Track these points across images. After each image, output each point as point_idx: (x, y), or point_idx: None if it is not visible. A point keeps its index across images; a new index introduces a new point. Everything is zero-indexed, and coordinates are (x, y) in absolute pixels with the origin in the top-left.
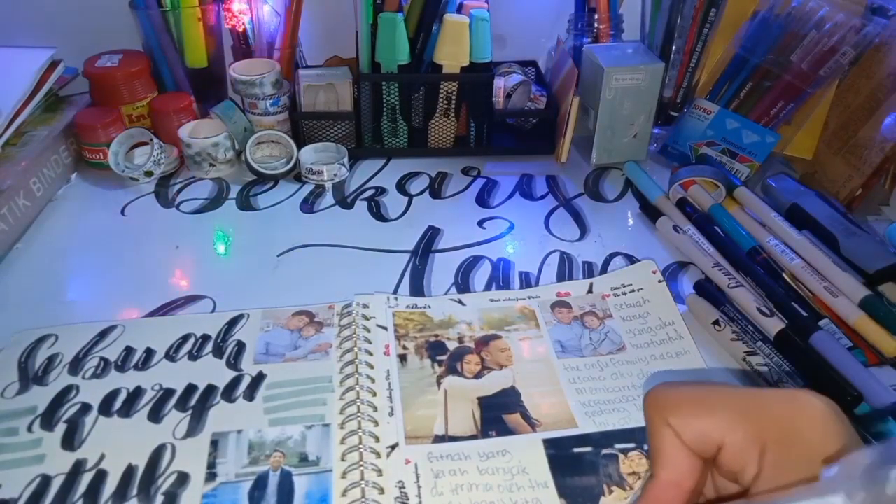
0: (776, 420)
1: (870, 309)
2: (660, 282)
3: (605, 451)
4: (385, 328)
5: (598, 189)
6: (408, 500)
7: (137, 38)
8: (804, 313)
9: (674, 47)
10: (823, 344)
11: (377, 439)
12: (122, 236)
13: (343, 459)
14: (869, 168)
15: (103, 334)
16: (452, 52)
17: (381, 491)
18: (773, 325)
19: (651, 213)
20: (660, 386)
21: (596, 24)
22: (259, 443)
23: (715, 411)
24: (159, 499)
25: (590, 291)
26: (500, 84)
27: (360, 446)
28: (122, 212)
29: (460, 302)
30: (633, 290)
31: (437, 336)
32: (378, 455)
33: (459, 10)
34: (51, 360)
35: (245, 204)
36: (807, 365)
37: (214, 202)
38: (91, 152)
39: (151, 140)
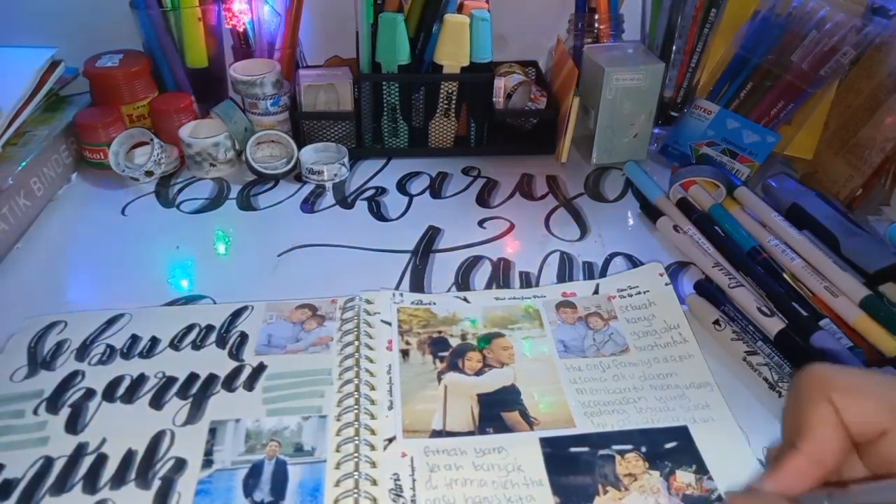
0: None
1: (870, 309)
2: (666, 284)
3: (601, 452)
4: (389, 323)
5: (598, 189)
6: (402, 492)
7: (138, 38)
8: (804, 313)
9: (674, 47)
10: (824, 344)
11: (373, 432)
12: (123, 236)
13: (338, 450)
14: (869, 168)
15: (111, 322)
16: (453, 52)
17: (374, 482)
18: (774, 325)
19: (651, 213)
20: (823, 364)
21: (596, 25)
22: (256, 432)
23: (886, 396)
24: (156, 483)
25: (596, 292)
26: (501, 84)
27: (356, 438)
28: (123, 212)
29: (465, 299)
30: (639, 293)
31: (440, 332)
32: (373, 447)
33: (460, 10)
34: (59, 345)
35: (245, 204)
36: (807, 365)
37: (215, 202)
38: (91, 152)
39: (152, 140)
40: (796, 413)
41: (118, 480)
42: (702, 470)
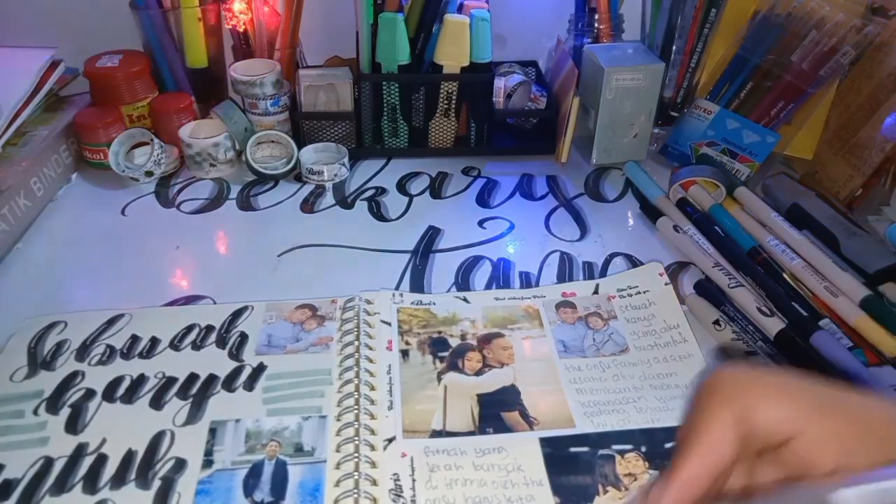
0: (860, 420)
1: (870, 309)
2: (666, 284)
3: (601, 452)
4: (389, 323)
5: (598, 189)
6: (402, 492)
7: (138, 38)
8: (804, 313)
9: (674, 47)
10: (824, 344)
11: (373, 432)
12: (123, 236)
13: (338, 450)
14: (869, 168)
15: (111, 322)
16: (453, 52)
17: (374, 482)
18: (774, 325)
19: (651, 213)
20: (729, 367)
21: (596, 24)
22: (256, 432)
23: (795, 400)
24: (156, 483)
25: (595, 292)
26: (501, 84)
27: (356, 438)
28: (123, 212)
29: (465, 300)
30: (639, 293)
31: (440, 332)
32: (373, 447)
33: (460, 10)
34: (59, 346)
35: (245, 204)
36: (807, 365)
37: (215, 202)
38: (91, 152)
39: (152, 140)
40: (692, 419)
41: (118, 480)
42: None
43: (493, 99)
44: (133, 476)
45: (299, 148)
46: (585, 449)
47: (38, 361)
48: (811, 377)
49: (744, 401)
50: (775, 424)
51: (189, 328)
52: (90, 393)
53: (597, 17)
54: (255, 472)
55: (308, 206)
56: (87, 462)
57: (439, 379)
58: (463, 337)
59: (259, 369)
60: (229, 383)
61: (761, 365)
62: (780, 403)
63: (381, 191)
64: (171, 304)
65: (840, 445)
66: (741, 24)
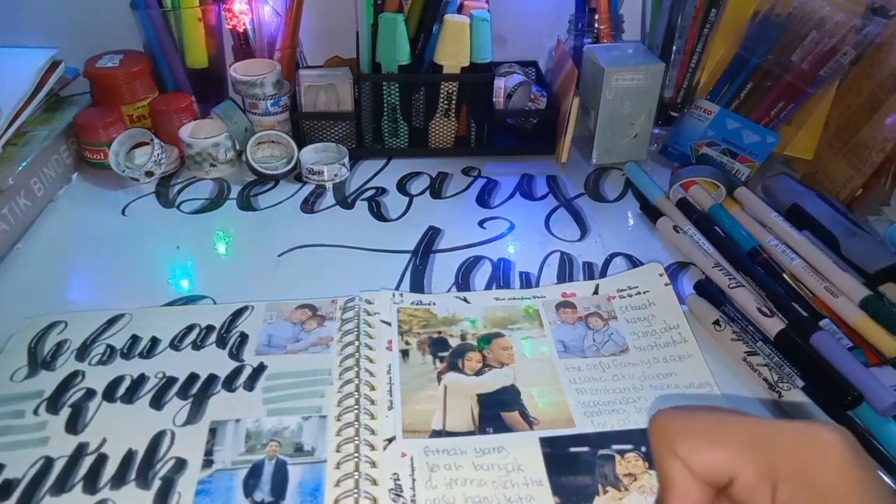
0: (790, 454)
1: (870, 309)
2: (666, 284)
3: (601, 452)
4: (389, 324)
5: (598, 189)
6: (402, 492)
7: (138, 38)
8: (804, 313)
9: (674, 47)
10: (824, 344)
11: (373, 432)
12: (123, 236)
13: (338, 450)
14: (869, 168)
15: (111, 322)
16: (453, 53)
17: (374, 482)
18: (774, 325)
19: (651, 213)
20: (665, 412)
21: (596, 25)
22: (256, 432)
23: (724, 443)
24: (157, 483)
25: (595, 293)
26: (501, 84)
27: (356, 438)
28: (123, 212)
29: (465, 300)
30: (639, 293)
31: (440, 332)
32: (373, 447)
33: (460, 10)
34: (59, 346)
35: (245, 204)
36: (807, 365)
37: (215, 202)
38: (92, 152)
39: (152, 140)
40: (657, 467)
41: (118, 480)
42: None
43: (493, 99)
44: (133, 476)
45: (299, 148)
46: (585, 449)
47: (39, 361)
48: (742, 415)
49: (681, 448)
50: (712, 468)
51: (189, 328)
52: (90, 393)
53: (597, 17)
54: (256, 471)
55: (308, 206)
56: (88, 462)
57: (439, 379)
58: (463, 337)
59: (259, 369)
60: (229, 383)
61: (696, 405)
62: (711, 448)
63: (382, 191)
64: (172, 304)
65: (773, 483)
66: (741, 24)
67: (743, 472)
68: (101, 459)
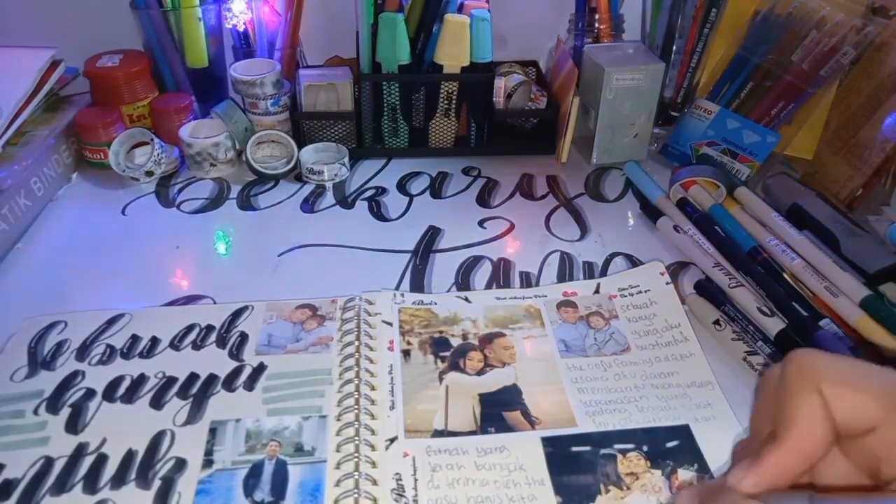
0: None
1: (870, 309)
2: (667, 283)
3: (603, 451)
4: (390, 324)
5: (598, 189)
6: (404, 492)
7: (138, 37)
8: (805, 313)
9: (674, 47)
10: (824, 344)
11: (373, 432)
12: (123, 236)
13: (338, 450)
14: (869, 168)
15: (111, 322)
16: (453, 52)
17: (374, 482)
18: (774, 325)
19: (651, 213)
20: (810, 351)
21: (596, 24)
22: (256, 432)
23: (873, 393)
24: (157, 483)
25: (597, 292)
26: (501, 84)
27: (356, 438)
28: (123, 212)
29: (466, 299)
30: (640, 292)
31: (441, 332)
32: (373, 447)
33: (460, 9)
34: (59, 345)
35: (246, 204)
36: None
37: (215, 202)
38: (92, 152)
39: (152, 140)
40: (780, 401)
41: (118, 480)
42: (703, 469)
43: (494, 99)
44: (133, 476)
45: (299, 148)
46: (587, 448)
47: (39, 361)
48: (891, 372)
49: (828, 387)
50: (857, 414)
51: (189, 328)
52: (90, 393)
53: (597, 17)
54: (256, 471)
55: (308, 205)
56: (88, 462)
57: (441, 379)
58: (464, 337)
59: (259, 369)
60: (229, 383)
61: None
62: (860, 394)
63: (382, 191)
64: (172, 303)
65: None
66: (741, 24)
67: (887, 427)
68: (101, 459)
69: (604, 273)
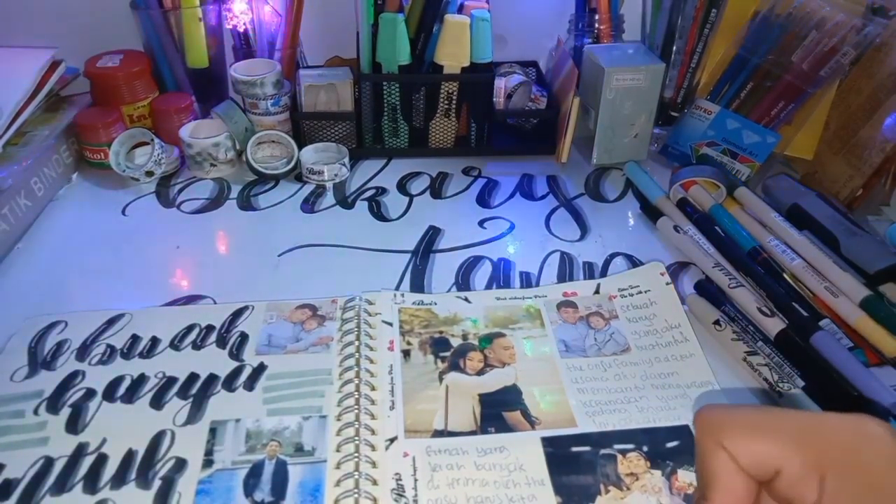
0: (837, 447)
1: (870, 309)
2: (667, 284)
3: (603, 451)
4: (390, 324)
5: (598, 189)
6: (404, 492)
7: (138, 38)
8: (805, 313)
9: (674, 47)
10: (824, 344)
11: (373, 432)
12: (123, 236)
13: (338, 450)
14: (869, 168)
15: (111, 322)
16: (453, 53)
17: (374, 482)
18: (774, 325)
19: (652, 213)
20: (711, 406)
21: (596, 25)
22: (256, 432)
23: (772, 435)
24: (157, 483)
25: (597, 292)
26: (501, 84)
27: (356, 438)
28: (123, 212)
29: (466, 299)
30: (640, 292)
31: (441, 332)
32: (373, 447)
33: (460, 10)
34: (59, 345)
35: (246, 204)
36: (807, 365)
37: (215, 202)
38: (92, 152)
39: (152, 140)
40: (699, 462)
41: (118, 480)
42: None
43: (494, 99)
44: (133, 476)
45: (300, 148)
46: (587, 448)
47: (39, 361)
48: (788, 409)
49: (727, 440)
50: (759, 460)
51: (189, 328)
52: (90, 393)
53: (597, 17)
54: (256, 471)
55: (308, 205)
56: (88, 462)
57: (441, 379)
58: (464, 337)
59: (259, 369)
60: (229, 383)
61: (737, 402)
62: (758, 442)
63: (382, 191)
64: (172, 304)
65: (821, 475)
66: (741, 24)
67: (790, 464)
68: (101, 459)
69: (604, 273)
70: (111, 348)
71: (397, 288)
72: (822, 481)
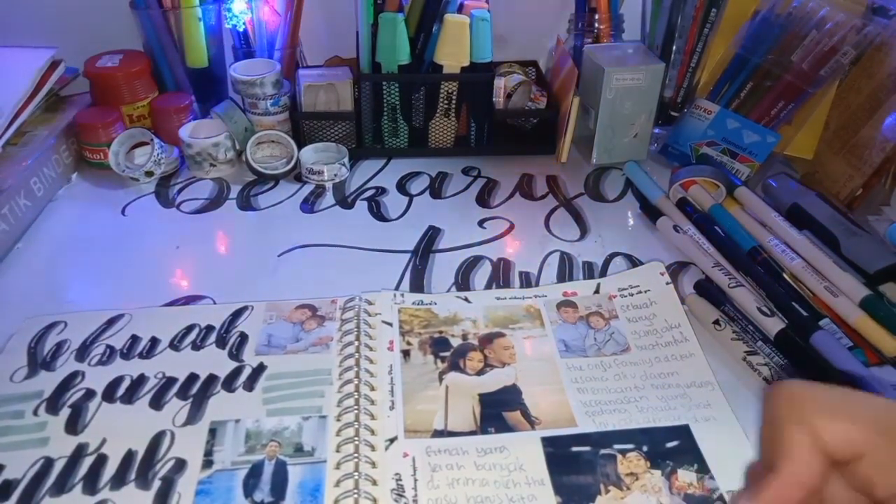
0: None
1: (870, 308)
2: (667, 283)
3: (603, 451)
4: (390, 324)
5: (598, 189)
6: (404, 492)
7: (138, 38)
8: (804, 313)
9: (674, 47)
10: (824, 344)
11: (373, 432)
12: (123, 236)
13: (338, 451)
14: (869, 168)
15: (111, 322)
16: (453, 52)
17: (374, 482)
18: (774, 325)
19: (651, 213)
20: (796, 382)
21: (596, 24)
22: (256, 432)
23: (860, 419)
24: (156, 484)
25: (597, 292)
26: (501, 84)
27: (356, 438)
28: (123, 212)
29: (466, 299)
30: (640, 292)
31: (441, 332)
32: (373, 448)
33: (460, 10)
34: (59, 346)
35: (245, 204)
36: (807, 364)
37: (215, 202)
38: (91, 152)
39: (152, 140)
40: (773, 434)
41: (118, 481)
42: (703, 469)
43: (493, 99)
44: (133, 476)
45: (299, 148)
46: (587, 448)
47: (38, 361)
48: (877, 397)
49: (814, 417)
50: (845, 442)
51: (189, 328)
52: (90, 393)
53: (597, 17)
54: (255, 472)
55: (308, 205)
56: (87, 462)
57: (441, 379)
58: (464, 337)
59: (259, 369)
60: (229, 383)
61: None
62: (846, 423)
63: (381, 191)
64: (171, 304)
65: None
66: (741, 24)
67: (875, 451)
68: (101, 460)
69: (604, 273)
70: (111, 349)
71: (397, 288)
72: None
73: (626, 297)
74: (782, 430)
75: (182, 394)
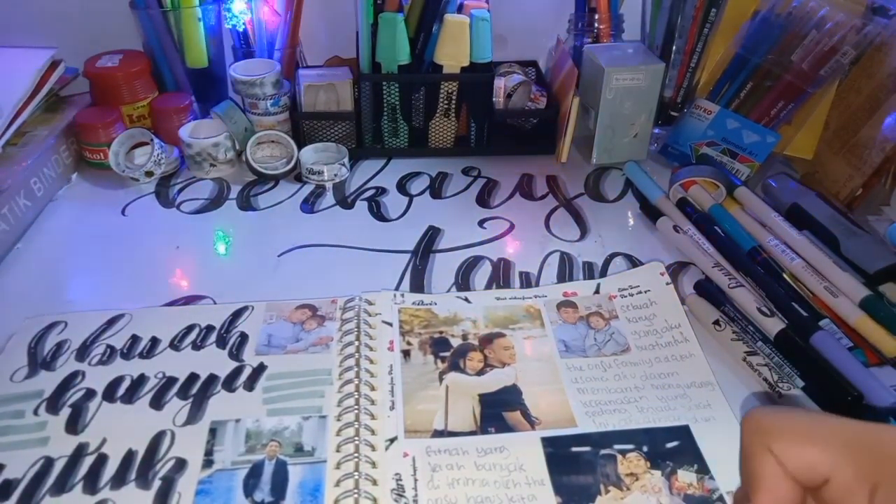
0: (892, 459)
1: (870, 309)
2: (667, 284)
3: (603, 452)
4: (390, 324)
5: (598, 189)
6: (404, 492)
7: (138, 38)
8: (804, 313)
9: (674, 47)
10: (824, 344)
11: (373, 432)
12: (123, 237)
13: (338, 451)
14: (869, 168)
15: (111, 322)
16: (453, 52)
17: (374, 482)
18: (774, 325)
19: (651, 213)
20: (761, 409)
21: (596, 24)
22: (256, 432)
23: (823, 443)
24: (157, 483)
25: (597, 292)
26: (501, 84)
27: (356, 438)
28: (123, 212)
29: (466, 300)
30: (640, 292)
31: (441, 332)
32: (373, 448)
33: (460, 9)
34: (59, 346)
35: (245, 204)
36: (807, 365)
37: (215, 202)
38: (91, 152)
39: (152, 140)
40: (745, 464)
41: (118, 481)
42: (703, 469)
43: (493, 99)
44: (133, 476)
45: (299, 148)
46: (587, 448)
47: (38, 361)
48: (841, 417)
49: (777, 444)
50: (809, 467)
51: (189, 328)
52: (90, 393)
53: (597, 17)
54: (256, 472)
55: (308, 206)
56: (88, 462)
57: (441, 379)
58: (464, 337)
59: (259, 369)
60: (229, 383)
61: (790, 405)
62: (808, 447)
63: (381, 191)
64: (172, 304)
65: (872, 486)
66: (741, 24)
67: (841, 473)
68: (101, 459)
69: (604, 273)
70: (111, 348)
71: (397, 288)
72: (874, 493)
73: (626, 297)
74: (753, 460)
75: (182, 394)
